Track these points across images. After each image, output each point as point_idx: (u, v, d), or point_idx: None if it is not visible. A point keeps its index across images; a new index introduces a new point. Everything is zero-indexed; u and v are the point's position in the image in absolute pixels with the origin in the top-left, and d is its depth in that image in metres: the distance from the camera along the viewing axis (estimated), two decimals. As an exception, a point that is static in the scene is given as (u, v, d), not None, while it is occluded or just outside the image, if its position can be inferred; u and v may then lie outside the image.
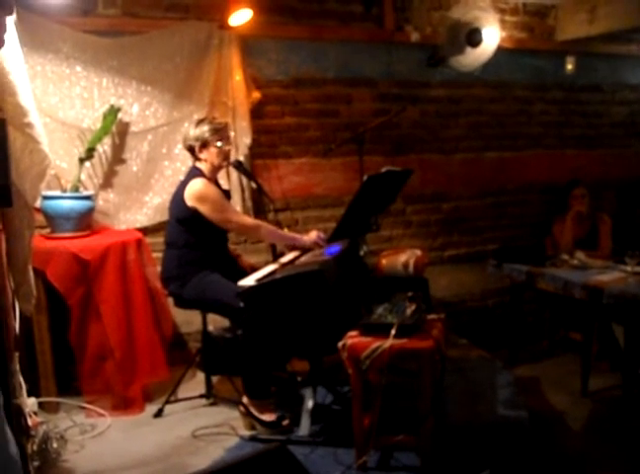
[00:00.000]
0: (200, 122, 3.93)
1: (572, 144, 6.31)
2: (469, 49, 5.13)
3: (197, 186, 3.78)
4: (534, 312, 5.41)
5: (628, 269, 4.20)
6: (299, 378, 4.15)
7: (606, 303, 3.94)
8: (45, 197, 4.06)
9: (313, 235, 4.01)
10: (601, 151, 6.46)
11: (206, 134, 3.85)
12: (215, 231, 3.88)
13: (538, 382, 4.49)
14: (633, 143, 6.66)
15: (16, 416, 2.77)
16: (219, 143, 3.86)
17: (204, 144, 3.87)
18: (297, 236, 4.09)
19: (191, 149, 3.92)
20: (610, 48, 6.19)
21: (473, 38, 5.09)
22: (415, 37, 5.30)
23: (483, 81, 5.72)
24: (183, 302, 3.97)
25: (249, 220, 4.09)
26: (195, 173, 3.88)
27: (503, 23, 5.59)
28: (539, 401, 4.19)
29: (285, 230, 4.22)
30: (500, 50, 5.31)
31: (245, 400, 3.76)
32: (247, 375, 3.78)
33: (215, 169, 3.95)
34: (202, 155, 3.88)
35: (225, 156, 3.93)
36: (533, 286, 4.58)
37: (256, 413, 3.72)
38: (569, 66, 6.12)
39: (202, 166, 3.91)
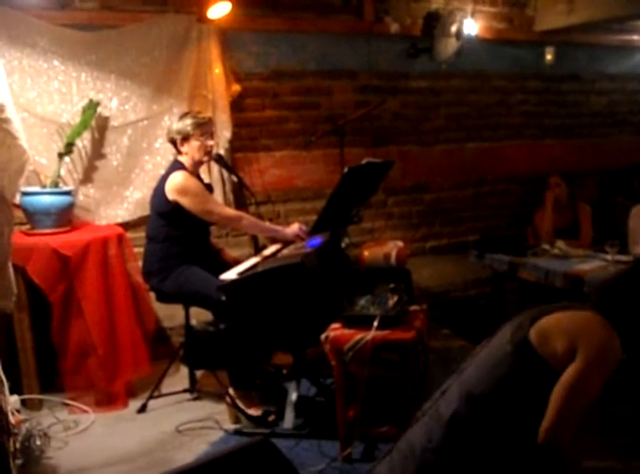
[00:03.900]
0: (183, 116, 3.93)
1: (552, 134, 6.35)
2: (446, 40, 5.14)
3: (177, 179, 3.77)
4: (516, 302, 5.43)
5: (609, 257, 4.22)
6: (285, 371, 4.15)
7: (587, 292, 3.96)
8: (25, 193, 4.03)
9: (295, 227, 4.01)
10: (581, 141, 6.51)
11: (189, 128, 3.84)
12: (197, 225, 3.87)
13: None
14: (612, 133, 6.71)
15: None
16: (201, 137, 3.85)
17: (186, 138, 3.85)
18: (279, 228, 4.09)
19: (173, 142, 3.91)
20: (589, 38, 6.22)
21: (451, 28, 5.10)
22: (394, 28, 5.29)
23: (463, 72, 5.73)
24: (164, 296, 3.96)
25: (231, 212, 4.09)
26: (176, 166, 3.86)
27: (482, 13, 5.61)
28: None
29: (267, 223, 4.22)
30: (479, 41, 5.33)
31: (231, 391, 3.76)
32: (233, 367, 3.78)
33: (197, 163, 3.94)
34: (184, 149, 3.87)
35: (206, 151, 3.91)
36: (515, 276, 4.60)
37: (242, 406, 3.72)
38: (548, 56, 6.14)
39: (184, 160, 3.89)
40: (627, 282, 2.22)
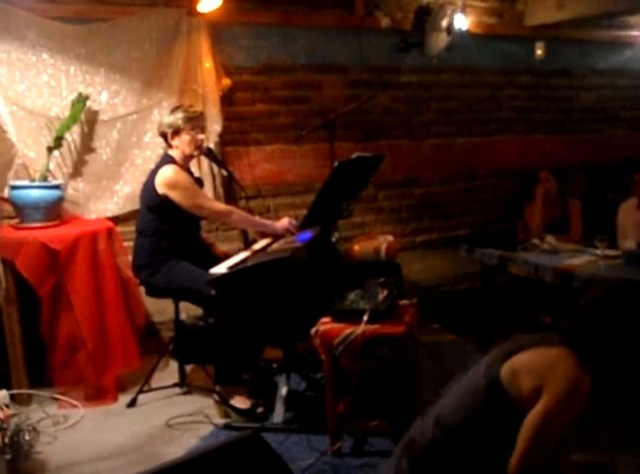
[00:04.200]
0: (174, 110, 3.92)
1: (542, 129, 6.36)
2: (437, 34, 5.15)
3: (167, 172, 3.76)
4: (506, 296, 5.44)
5: (598, 252, 4.23)
6: (275, 366, 4.15)
7: (577, 286, 3.98)
8: (13, 187, 4.02)
9: (285, 221, 4.01)
10: (571, 136, 6.52)
11: (180, 122, 3.83)
12: (187, 219, 3.86)
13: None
14: (602, 128, 6.73)
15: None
16: (192, 131, 3.84)
17: (177, 131, 3.84)
18: (269, 222, 4.09)
19: (164, 136, 3.90)
20: (579, 34, 6.23)
21: (442, 23, 5.10)
22: (385, 22, 5.28)
23: (453, 67, 5.73)
24: (154, 291, 3.95)
25: (221, 206, 4.09)
26: (166, 160, 3.85)
27: (472, 8, 5.61)
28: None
29: (257, 217, 4.21)
30: (470, 36, 5.33)
31: (219, 388, 3.76)
32: (219, 363, 3.78)
33: (187, 157, 3.93)
34: (174, 142, 3.86)
35: (197, 145, 3.90)
36: (505, 271, 4.61)
37: (230, 401, 3.72)
38: (538, 52, 6.15)
39: (174, 153, 3.88)
40: (597, 314, 2.21)
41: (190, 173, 4.01)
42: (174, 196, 3.75)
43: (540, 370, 2.07)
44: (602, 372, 2.16)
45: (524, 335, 2.28)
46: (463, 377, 2.32)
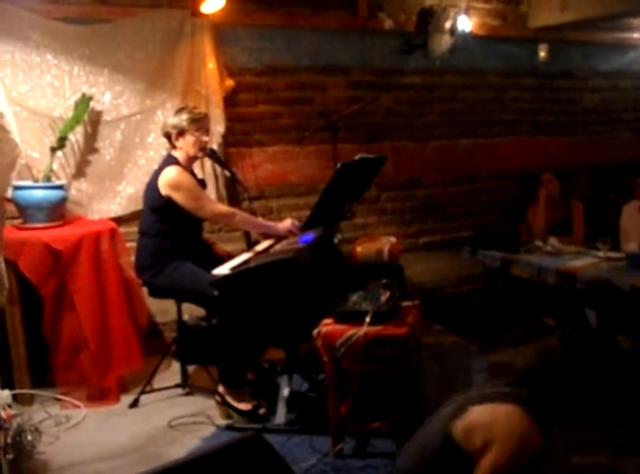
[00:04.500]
0: (179, 111, 3.92)
1: (545, 131, 6.36)
2: (440, 36, 5.15)
3: (170, 174, 3.76)
4: (509, 298, 5.44)
5: (601, 254, 4.23)
6: (279, 368, 4.14)
7: (579, 288, 3.97)
8: (17, 188, 4.02)
9: (287, 223, 4.01)
10: (574, 138, 6.52)
11: (184, 123, 3.83)
12: (190, 220, 3.86)
13: (513, 367, 4.52)
14: (605, 130, 6.72)
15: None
16: (196, 133, 3.85)
17: (181, 133, 3.85)
18: (271, 224, 4.08)
19: (168, 136, 3.90)
20: (583, 36, 6.23)
21: (445, 24, 5.10)
22: (389, 24, 5.28)
23: (457, 68, 5.73)
24: (157, 291, 3.96)
25: (223, 208, 4.09)
26: (169, 161, 3.86)
27: (476, 10, 5.61)
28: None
29: (260, 219, 4.22)
30: (473, 38, 5.33)
31: (221, 389, 3.76)
32: (222, 364, 3.78)
33: (191, 159, 3.93)
34: (179, 143, 3.87)
35: (201, 146, 3.90)
36: (508, 273, 4.60)
37: (232, 402, 3.73)
38: (542, 53, 6.14)
39: (178, 154, 3.89)
40: (551, 368, 2.23)
41: (193, 174, 4.01)
42: (177, 197, 3.75)
43: (492, 426, 2.11)
44: (553, 426, 2.21)
45: (471, 393, 2.33)
46: (423, 431, 2.38)
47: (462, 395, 2.30)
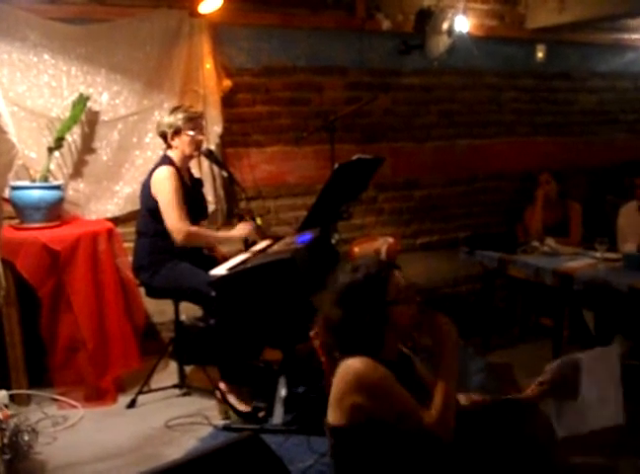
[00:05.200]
0: (174, 110, 3.93)
1: (543, 132, 6.37)
2: (438, 37, 5.15)
3: (160, 174, 3.77)
4: (506, 299, 5.44)
5: (598, 255, 4.23)
6: (276, 369, 4.14)
7: (577, 289, 3.98)
8: (14, 188, 4.02)
9: (241, 226, 4.05)
10: (572, 139, 6.53)
11: (180, 122, 3.84)
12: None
13: (510, 368, 4.52)
14: (603, 131, 6.73)
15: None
16: (192, 132, 3.85)
17: (177, 132, 3.85)
18: (227, 233, 4.12)
19: (163, 136, 3.91)
20: (580, 37, 6.24)
21: (442, 25, 5.11)
22: (386, 25, 5.29)
23: (454, 69, 5.73)
24: (154, 291, 3.96)
25: (184, 225, 3.79)
26: (164, 161, 3.86)
27: (473, 10, 5.61)
28: (511, 387, 4.22)
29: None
30: (470, 38, 5.33)
31: (222, 386, 3.76)
32: (223, 362, 3.78)
33: (186, 158, 3.93)
34: (174, 143, 3.87)
35: (197, 146, 3.91)
36: (505, 273, 4.61)
37: (232, 401, 3.73)
38: (539, 54, 6.16)
39: (174, 154, 3.89)
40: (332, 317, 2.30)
41: (190, 173, 4.02)
42: (158, 197, 3.77)
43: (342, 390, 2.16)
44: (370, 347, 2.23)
45: None
46: None
47: None
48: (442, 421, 2.13)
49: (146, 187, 3.83)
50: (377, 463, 2.13)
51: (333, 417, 2.18)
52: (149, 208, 3.83)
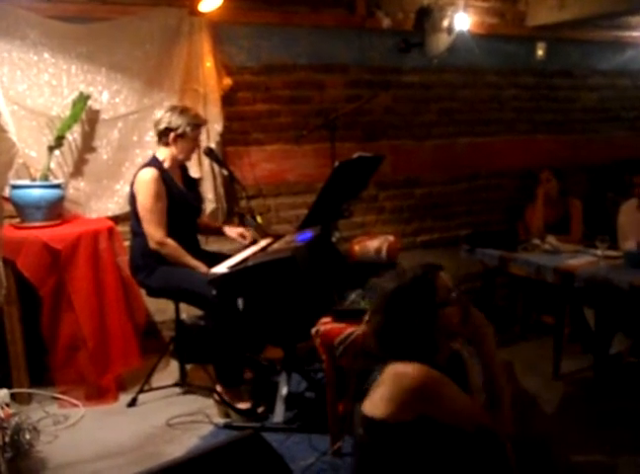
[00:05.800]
0: (182, 112, 3.87)
1: (543, 129, 6.36)
2: (438, 35, 5.15)
3: (143, 176, 3.76)
4: (507, 296, 5.44)
5: (599, 252, 4.23)
6: (277, 367, 4.14)
7: (577, 287, 3.98)
8: (14, 187, 4.02)
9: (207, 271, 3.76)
10: (572, 136, 6.52)
11: (188, 128, 3.81)
12: (179, 220, 3.84)
13: (511, 366, 4.52)
14: (603, 128, 6.73)
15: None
16: (195, 140, 3.88)
17: (182, 135, 3.83)
18: (198, 265, 3.80)
19: (163, 134, 3.86)
20: (581, 34, 6.23)
21: (442, 23, 5.10)
22: (386, 22, 5.28)
23: (455, 67, 5.73)
24: (152, 291, 3.96)
25: (159, 234, 3.77)
26: (150, 163, 3.85)
27: (474, 8, 5.60)
28: (512, 384, 4.21)
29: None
30: (471, 36, 5.33)
31: (219, 388, 3.76)
32: (219, 363, 3.78)
33: (177, 162, 3.93)
34: (174, 144, 3.84)
35: (193, 153, 3.99)
36: (506, 271, 4.61)
37: (230, 401, 3.72)
38: (540, 52, 6.15)
39: (165, 154, 3.86)
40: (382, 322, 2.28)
41: (183, 173, 4.06)
42: (138, 197, 3.76)
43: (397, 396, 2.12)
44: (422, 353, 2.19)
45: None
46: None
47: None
48: (507, 420, 2.18)
49: (131, 186, 3.84)
50: (421, 460, 2.12)
51: (380, 411, 2.14)
52: (134, 208, 3.84)
